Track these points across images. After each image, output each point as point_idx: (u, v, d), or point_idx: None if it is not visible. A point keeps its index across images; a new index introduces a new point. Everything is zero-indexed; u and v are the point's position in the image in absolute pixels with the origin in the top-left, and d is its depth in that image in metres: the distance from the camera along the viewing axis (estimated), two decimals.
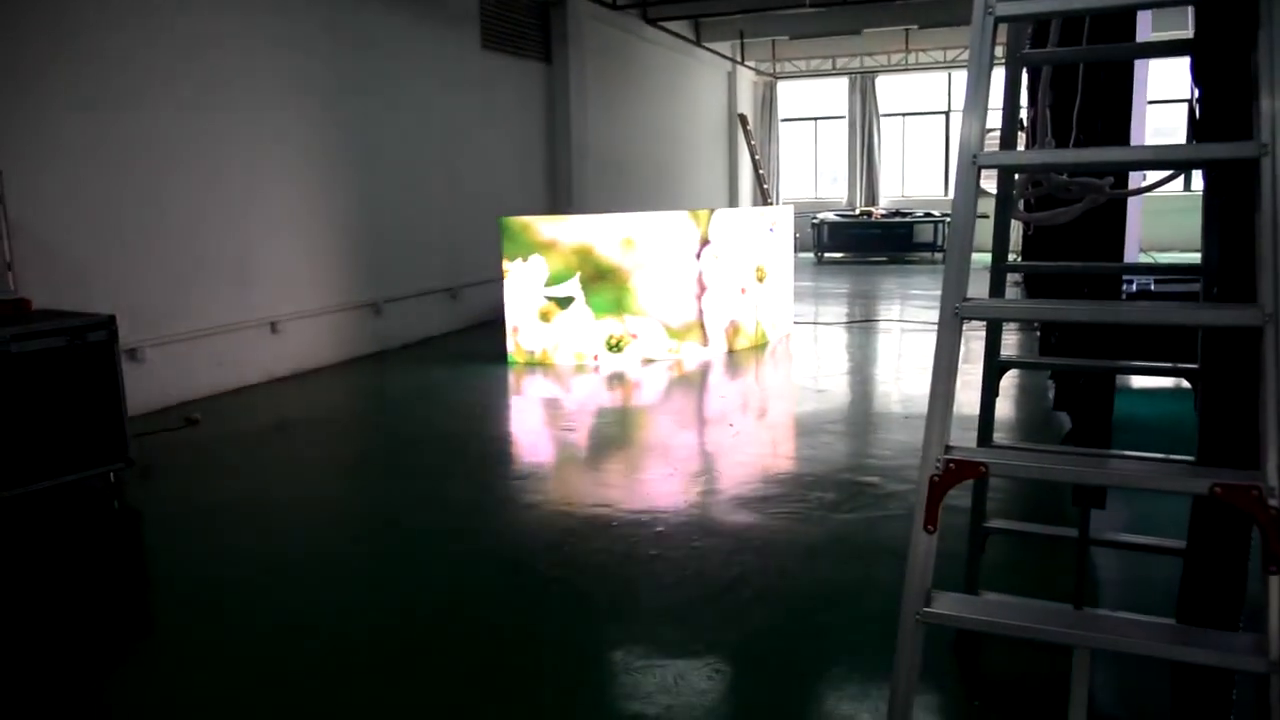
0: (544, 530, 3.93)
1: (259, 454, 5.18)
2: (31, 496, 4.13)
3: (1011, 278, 9.25)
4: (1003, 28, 1.97)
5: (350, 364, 7.61)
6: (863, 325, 9.26)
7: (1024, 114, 3.40)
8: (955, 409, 1.92)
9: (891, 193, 18.33)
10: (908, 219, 16.33)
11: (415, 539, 3.88)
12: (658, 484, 4.48)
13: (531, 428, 5.89)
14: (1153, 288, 6.26)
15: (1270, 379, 1.64)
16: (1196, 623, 2.08)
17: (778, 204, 17.62)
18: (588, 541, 3.74)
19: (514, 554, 3.66)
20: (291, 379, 6.99)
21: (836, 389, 6.49)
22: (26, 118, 5.15)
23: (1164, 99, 13.00)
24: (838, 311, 10.19)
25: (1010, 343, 7.78)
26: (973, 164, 1.89)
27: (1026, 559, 3.43)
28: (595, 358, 7.41)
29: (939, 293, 1.92)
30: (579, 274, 7.36)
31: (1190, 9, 2.34)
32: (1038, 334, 7.15)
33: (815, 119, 18.99)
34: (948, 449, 1.87)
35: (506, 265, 7.49)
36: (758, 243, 8.06)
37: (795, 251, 10.10)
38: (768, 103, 18.71)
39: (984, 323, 2.63)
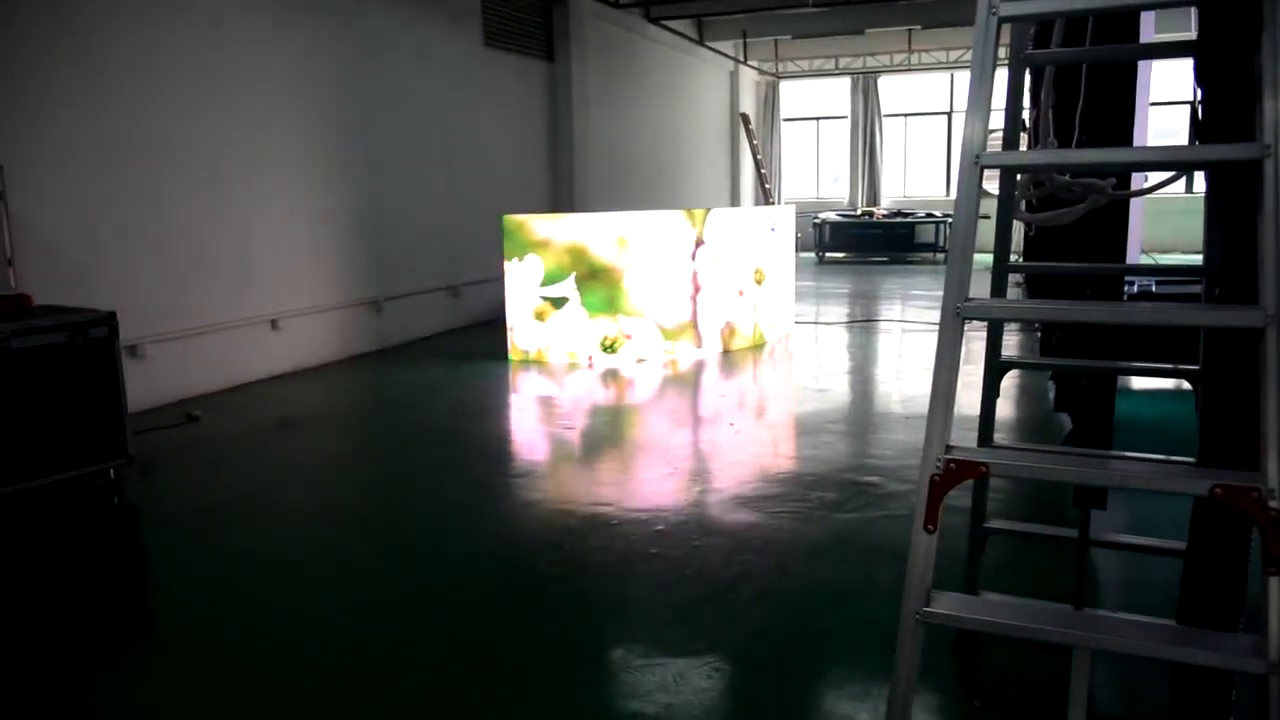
0: (544, 529, 3.93)
1: (259, 451, 5.18)
2: (31, 492, 4.14)
3: (1013, 278, 9.25)
4: (1006, 28, 1.97)
5: (351, 361, 7.61)
6: (864, 325, 9.25)
7: (1026, 115, 3.40)
8: (956, 409, 1.92)
9: (893, 193, 18.33)
10: (909, 219, 16.32)
11: (415, 537, 3.88)
12: (657, 483, 4.48)
13: (531, 426, 5.89)
14: (1154, 289, 6.26)
15: (1271, 381, 1.64)
16: (1196, 624, 2.08)
17: (779, 204, 17.62)
18: (588, 540, 3.74)
19: (514, 552, 3.66)
20: (292, 376, 6.99)
21: (837, 389, 6.49)
22: (28, 114, 5.16)
23: (1167, 101, 12.99)
24: (839, 311, 10.18)
25: (1011, 343, 7.78)
26: (975, 164, 1.89)
27: (1027, 559, 3.43)
28: (590, 359, 7.40)
29: (940, 293, 1.92)
30: (574, 274, 7.35)
31: (1193, 10, 2.34)
32: (1039, 335, 7.15)
33: (817, 119, 18.99)
34: (948, 449, 1.87)
35: (507, 264, 7.50)
36: (757, 244, 8.03)
37: (797, 251, 10.11)
38: (770, 102, 18.71)
39: (985, 323, 2.64)
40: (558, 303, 7.42)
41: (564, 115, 10.88)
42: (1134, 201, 5.32)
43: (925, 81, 17.98)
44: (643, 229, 7.41)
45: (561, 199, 10.98)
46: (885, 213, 16.72)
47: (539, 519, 4.07)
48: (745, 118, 17.55)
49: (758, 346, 7.99)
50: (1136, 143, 3.97)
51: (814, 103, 19.03)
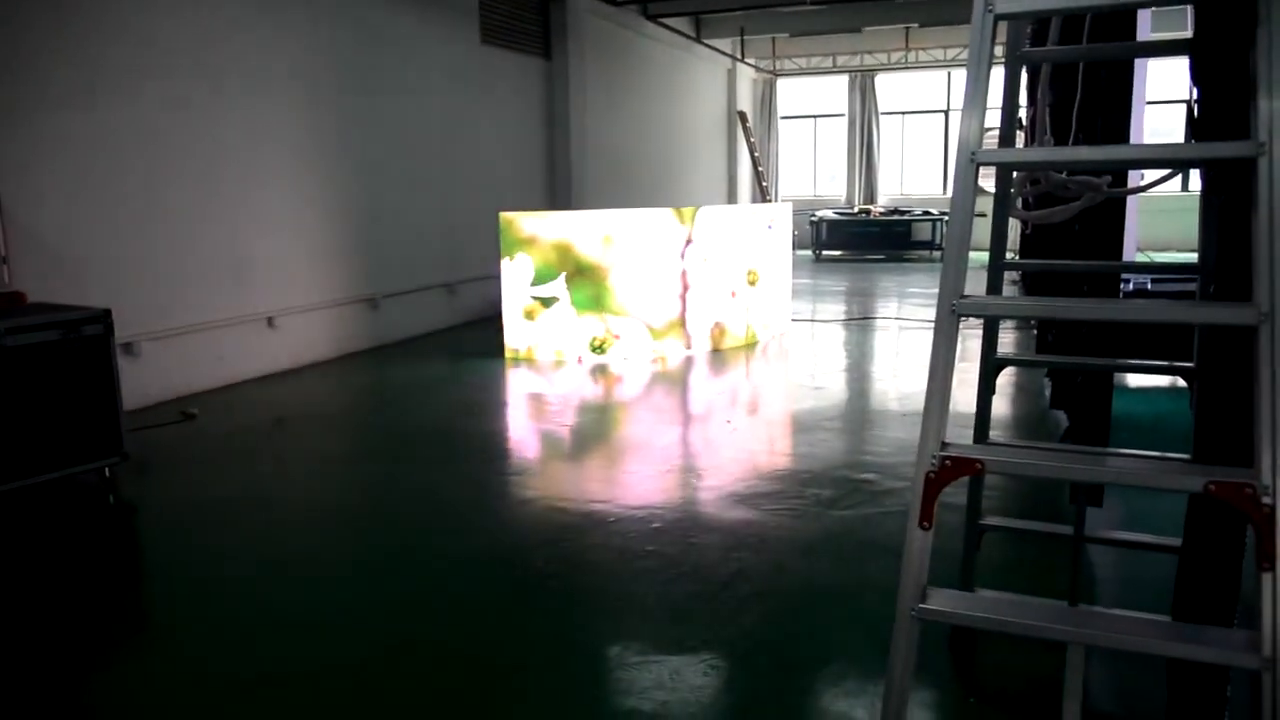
0: (540, 526, 3.93)
1: (255, 449, 5.17)
2: (26, 491, 4.13)
3: (1010, 276, 9.28)
4: (1002, 26, 1.97)
5: (347, 359, 7.60)
6: (860, 323, 9.26)
7: (1023, 112, 3.40)
8: (952, 406, 1.92)
9: (890, 191, 18.34)
10: (906, 217, 16.34)
11: (411, 535, 3.88)
12: (653, 480, 4.49)
13: (528, 424, 5.89)
14: (1150, 286, 6.28)
15: (1265, 378, 1.64)
16: (1191, 620, 2.08)
17: (777, 201, 17.62)
18: (584, 537, 3.74)
19: (511, 550, 3.66)
20: (288, 374, 6.98)
21: (833, 386, 6.50)
22: (22, 111, 5.14)
23: (1162, 99, 13.00)
24: (835, 309, 10.19)
25: (1007, 341, 7.79)
26: (971, 162, 1.89)
27: (1022, 556, 3.43)
28: (579, 359, 7.40)
29: (936, 290, 1.92)
30: (564, 274, 7.35)
31: (1189, 9, 2.34)
32: (1035, 332, 7.16)
33: (815, 117, 18.99)
34: (944, 446, 1.87)
35: (503, 262, 7.50)
36: (751, 243, 7.97)
37: (793, 249, 10.11)
38: (767, 100, 18.71)
39: (981, 320, 2.64)
40: (547, 302, 7.42)
41: (561, 112, 10.88)
42: (1130, 199, 5.33)
43: (922, 79, 17.99)
44: (630, 227, 7.39)
45: (558, 196, 10.97)
46: (882, 210, 16.73)
47: (535, 516, 4.07)
48: (742, 115, 17.55)
49: (750, 346, 7.95)
50: (1133, 141, 3.98)
51: (811, 100, 19.03)
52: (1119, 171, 2.78)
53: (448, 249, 9.04)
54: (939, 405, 1.88)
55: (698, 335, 7.62)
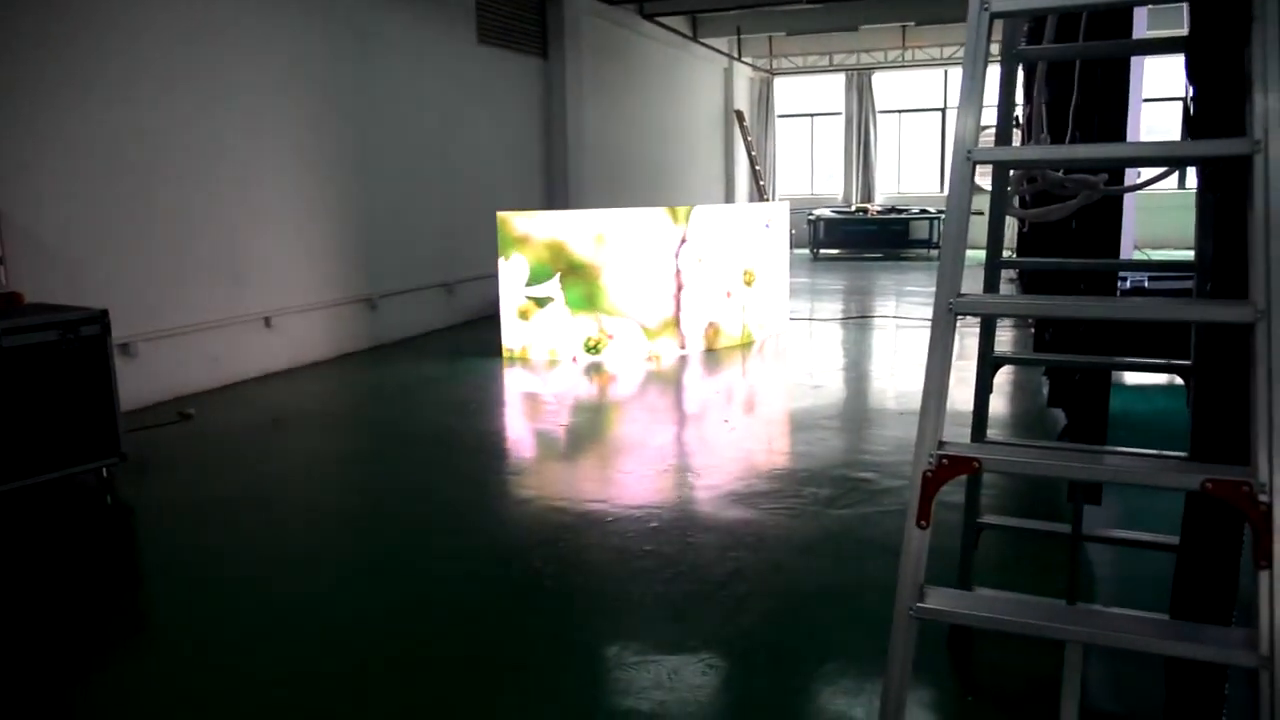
0: (538, 526, 3.93)
1: (252, 449, 5.17)
2: (23, 491, 4.12)
3: (1007, 275, 9.27)
4: (999, 24, 1.97)
5: (345, 359, 7.59)
6: (858, 321, 9.26)
7: (1020, 110, 3.40)
8: (949, 405, 1.92)
9: (887, 189, 18.34)
10: (903, 215, 16.35)
11: (409, 535, 3.87)
12: (650, 479, 4.49)
13: (524, 424, 5.89)
14: (1147, 284, 6.28)
15: (1261, 376, 1.64)
16: (1189, 618, 2.09)
17: (774, 200, 17.63)
18: (582, 537, 3.74)
19: (508, 549, 3.66)
20: (285, 374, 6.98)
21: (831, 385, 6.50)
22: (18, 111, 5.13)
23: (1159, 97, 13.01)
24: (833, 308, 10.19)
25: (1005, 340, 7.79)
26: (968, 160, 1.89)
27: (1020, 555, 3.43)
28: (574, 358, 7.39)
29: (934, 289, 1.92)
30: (559, 275, 7.34)
31: (1185, 6, 2.34)
32: (1032, 330, 7.16)
33: (812, 115, 18.99)
34: (941, 444, 1.87)
35: (501, 261, 7.49)
36: (747, 243, 7.93)
37: (791, 248, 10.10)
38: (764, 99, 18.70)
39: (978, 319, 2.64)
40: (541, 302, 7.42)
41: (558, 112, 10.87)
42: (1127, 197, 5.33)
43: (919, 78, 17.98)
44: (623, 226, 7.37)
45: (556, 196, 10.97)
46: (879, 209, 16.74)
47: (533, 516, 4.07)
48: (740, 114, 17.55)
49: (746, 345, 7.93)
50: (1129, 138, 3.98)
51: (808, 99, 19.03)
52: (1116, 169, 2.78)
53: (446, 248, 9.03)
54: (936, 404, 1.88)
55: (692, 335, 7.60)
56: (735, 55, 16.58)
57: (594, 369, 7.10)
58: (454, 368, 7.31)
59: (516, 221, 7.44)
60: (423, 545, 3.75)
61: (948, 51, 16.99)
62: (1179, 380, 5.16)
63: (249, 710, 2.56)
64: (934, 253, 15.65)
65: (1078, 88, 2.86)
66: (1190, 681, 2.20)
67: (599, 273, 7.32)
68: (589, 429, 5.59)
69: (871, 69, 17.89)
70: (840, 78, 18.25)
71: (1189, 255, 2.56)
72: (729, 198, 17.52)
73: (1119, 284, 5.52)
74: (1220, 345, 2.01)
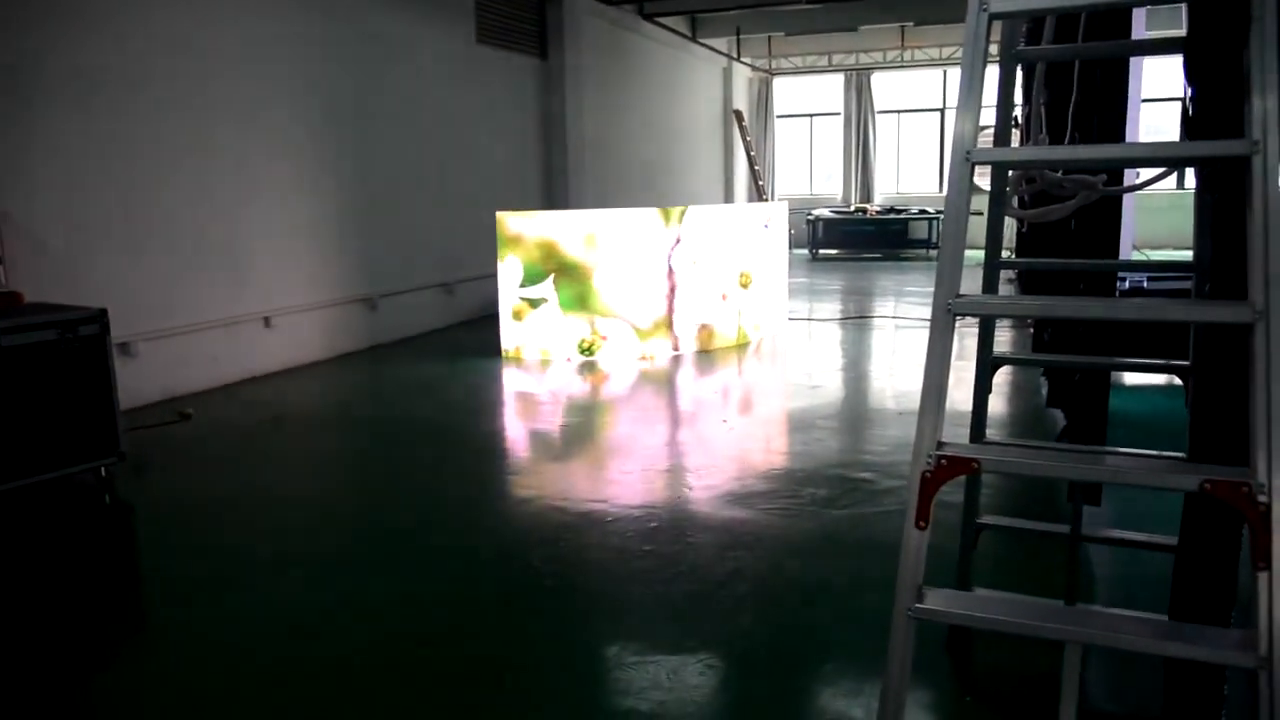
0: (537, 525, 3.93)
1: (252, 449, 5.17)
2: (22, 491, 4.12)
3: (1006, 276, 9.28)
4: (997, 25, 1.97)
5: (344, 359, 7.59)
6: (857, 322, 9.26)
7: (1019, 111, 3.40)
8: (948, 405, 1.92)
9: (886, 189, 18.34)
10: (902, 216, 16.36)
11: (409, 535, 3.87)
12: (650, 479, 4.49)
13: (523, 424, 5.89)
14: (1146, 284, 6.28)
15: (1259, 376, 1.64)
16: (1188, 618, 2.09)
17: (773, 200, 17.63)
18: (581, 536, 3.74)
19: (507, 549, 3.66)
20: (285, 374, 6.97)
21: (830, 385, 6.50)
22: (20, 112, 5.13)
23: (1158, 98, 13.03)
24: (832, 308, 10.20)
25: (1003, 340, 7.80)
26: (967, 160, 1.89)
27: (1019, 555, 3.44)
28: (568, 359, 7.39)
29: (932, 289, 1.92)
30: (552, 276, 7.34)
31: (1184, 7, 2.34)
32: (1031, 331, 7.17)
33: (811, 115, 19.00)
34: (940, 445, 1.87)
35: (500, 261, 7.50)
36: (743, 243, 7.88)
37: (790, 248, 10.11)
38: (763, 99, 18.71)
39: (977, 319, 2.64)
40: (535, 303, 7.42)
41: (557, 112, 10.87)
42: (1126, 198, 5.33)
43: (918, 78, 17.99)
44: (615, 226, 7.36)
45: (555, 196, 10.97)
46: (878, 209, 16.74)
47: (532, 516, 4.07)
48: (739, 114, 17.55)
49: (741, 346, 7.90)
50: (1128, 139, 3.98)
51: (807, 99, 19.03)
52: (1114, 170, 2.78)
53: (445, 249, 9.03)
54: (935, 404, 1.88)
55: (685, 336, 7.58)
56: (734, 55, 16.58)
57: (589, 370, 7.10)
58: (453, 368, 7.31)
59: (510, 221, 7.44)
60: (422, 545, 3.75)
61: (947, 52, 16.99)
62: (1178, 381, 5.17)
63: (249, 710, 2.56)
64: (933, 253, 15.65)
65: (1077, 88, 2.86)
66: (1189, 682, 2.20)
67: (590, 273, 7.32)
68: (587, 429, 5.60)
69: (870, 69, 17.89)
70: (839, 78, 18.26)
71: (1188, 256, 2.56)
72: (728, 198, 17.52)
73: (1118, 284, 5.52)
74: (1219, 346, 2.01)
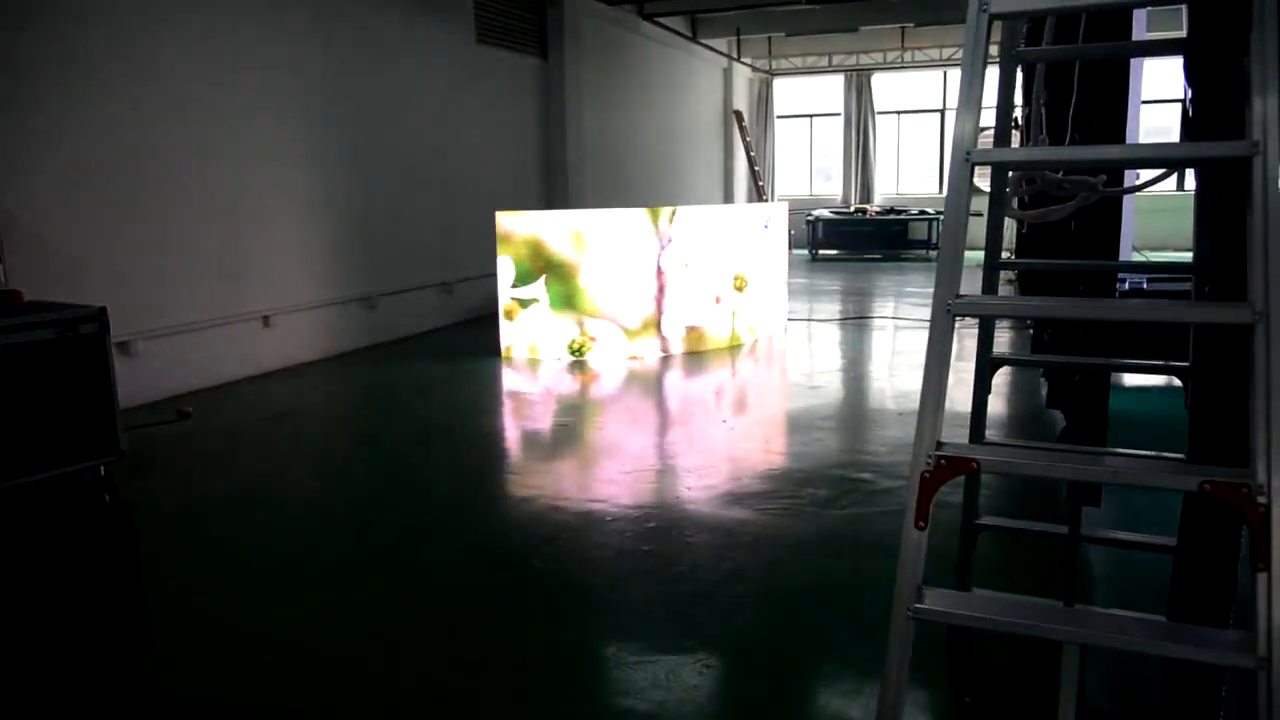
0: (536, 525, 3.93)
1: (251, 448, 5.17)
2: (21, 490, 4.11)
3: (1005, 276, 9.27)
4: (997, 25, 1.97)
5: (343, 358, 7.59)
6: (856, 322, 9.26)
7: (1019, 112, 3.40)
8: (948, 406, 1.92)
9: (886, 190, 18.34)
10: (902, 216, 16.35)
11: (407, 533, 3.87)
12: (649, 479, 4.48)
13: (523, 423, 5.89)
14: (1145, 286, 6.29)
15: (1259, 377, 1.64)
16: (1186, 619, 2.09)
17: (773, 200, 17.63)
18: (580, 536, 3.74)
19: (507, 549, 3.66)
20: (284, 373, 6.97)
21: (829, 385, 6.50)
22: (18, 111, 5.13)
23: (1158, 99, 13.03)
24: (831, 308, 10.19)
25: (1003, 341, 7.79)
26: (966, 161, 1.89)
27: (1018, 556, 3.44)
28: (558, 359, 7.38)
29: (932, 290, 1.92)
30: (544, 277, 7.34)
31: (1184, 8, 2.34)
32: (1030, 332, 7.17)
33: (811, 116, 18.99)
34: (939, 445, 1.87)
35: (499, 260, 7.50)
36: (739, 244, 7.84)
37: (789, 249, 10.11)
38: (763, 99, 18.71)
39: (977, 320, 2.64)
40: (525, 303, 7.42)
41: (557, 112, 10.87)
42: (1126, 199, 5.33)
43: (918, 79, 17.99)
44: (604, 227, 7.35)
45: (554, 196, 10.97)
46: (878, 210, 16.74)
47: (531, 515, 4.07)
48: (738, 115, 17.55)
49: (734, 347, 7.86)
50: (1128, 140, 3.98)
51: (807, 100, 19.03)
52: (1114, 171, 2.78)
53: (444, 248, 9.03)
54: (934, 404, 1.88)
55: (674, 337, 7.55)
56: (734, 56, 16.57)
57: (582, 370, 7.10)
58: (451, 367, 7.31)
59: (501, 221, 7.45)
60: (421, 544, 3.75)
61: (947, 53, 17.00)
62: (1178, 381, 5.17)
63: (248, 709, 2.56)
64: (933, 254, 15.65)
65: (1077, 89, 2.86)
66: (1187, 683, 2.21)
67: (576, 272, 7.32)
68: (585, 429, 5.60)
69: (871, 70, 17.90)
70: (839, 78, 18.26)
71: (1187, 257, 2.56)
72: (728, 198, 17.52)
73: (1118, 285, 5.52)
74: (1218, 347, 2.01)
